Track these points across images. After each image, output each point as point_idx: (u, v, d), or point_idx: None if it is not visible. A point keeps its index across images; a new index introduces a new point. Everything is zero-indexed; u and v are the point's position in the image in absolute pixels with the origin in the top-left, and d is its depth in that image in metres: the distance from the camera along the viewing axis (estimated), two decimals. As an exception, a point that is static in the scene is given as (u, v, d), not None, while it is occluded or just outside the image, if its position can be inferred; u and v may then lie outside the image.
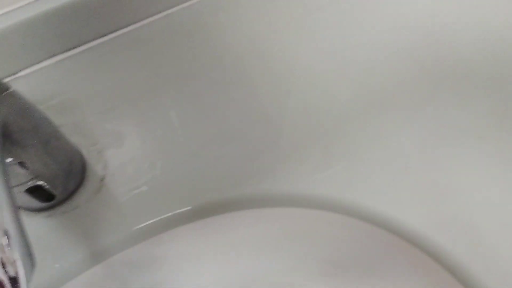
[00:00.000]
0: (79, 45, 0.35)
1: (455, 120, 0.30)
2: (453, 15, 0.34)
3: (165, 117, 0.32)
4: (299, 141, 0.30)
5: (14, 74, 0.34)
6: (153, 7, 0.35)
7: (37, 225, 0.29)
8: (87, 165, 0.30)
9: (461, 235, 0.27)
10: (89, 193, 0.29)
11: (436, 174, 0.29)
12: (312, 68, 0.33)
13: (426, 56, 0.33)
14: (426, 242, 0.27)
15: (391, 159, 0.29)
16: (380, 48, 0.33)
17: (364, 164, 0.29)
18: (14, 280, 0.17)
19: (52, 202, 0.29)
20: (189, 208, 0.29)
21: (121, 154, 0.31)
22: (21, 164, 0.25)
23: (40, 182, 0.26)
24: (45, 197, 0.28)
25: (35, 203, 0.28)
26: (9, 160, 0.25)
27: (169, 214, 0.29)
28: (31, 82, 0.34)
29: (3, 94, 0.23)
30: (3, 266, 0.17)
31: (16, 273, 0.18)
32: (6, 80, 0.34)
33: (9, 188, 0.19)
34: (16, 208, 0.19)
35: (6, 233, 0.18)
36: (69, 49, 0.35)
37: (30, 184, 0.26)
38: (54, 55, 0.34)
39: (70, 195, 0.29)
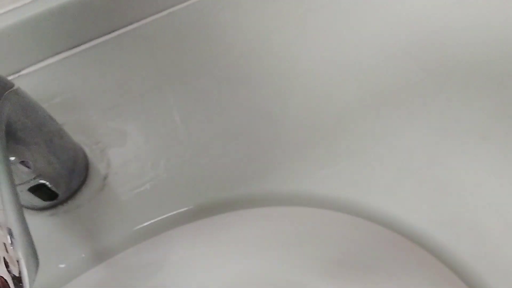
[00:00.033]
0: (82, 43, 0.35)
1: (459, 119, 0.30)
2: (457, 14, 0.34)
3: (168, 116, 0.32)
4: (302, 139, 0.30)
5: (17, 72, 0.34)
6: (156, 5, 0.35)
7: (40, 224, 0.28)
8: (90, 164, 0.30)
9: (464, 234, 0.27)
10: (92, 192, 0.29)
11: (439, 173, 0.29)
12: (315, 66, 0.33)
13: (430, 55, 0.32)
14: (429, 241, 0.27)
15: (394, 158, 0.29)
16: (384, 46, 0.33)
17: (368, 162, 0.29)
18: (18, 280, 0.17)
19: (54, 201, 0.28)
20: (192, 207, 0.29)
21: (124, 153, 0.30)
22: (24, 162, 0.25)
23: (43, 181, 0.26)
24: (47, 196, 0.28)
25: (37, 202, 0.28)
26: (12, 158, 0.24)
27: (172, 213, 0.29)
28: (34, 80, 0.34)
29: (8, 92, 0.23)
30: (7, 265, 0.17)
31: (20, 272, 0.18)
32: (9, 78, 0.33)
33: (13, 187, 0.19)
34: (20, 207, 0.19)
35: (9, 232, 0.18)
36: (73, 47, 0.34)
37: (33, 182, 0.26)
38: (58, 53, 0.34)
39: (73, 194, 0.29)
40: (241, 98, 0.32)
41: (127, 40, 0.35)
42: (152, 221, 0.29)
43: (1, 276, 0.17)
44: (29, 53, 0.33)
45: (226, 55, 0.34)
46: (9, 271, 0.17)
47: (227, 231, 0.31)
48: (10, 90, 0.24)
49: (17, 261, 0.18)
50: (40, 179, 0.26)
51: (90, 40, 0.35)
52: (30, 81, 0.33)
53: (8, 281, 0.17)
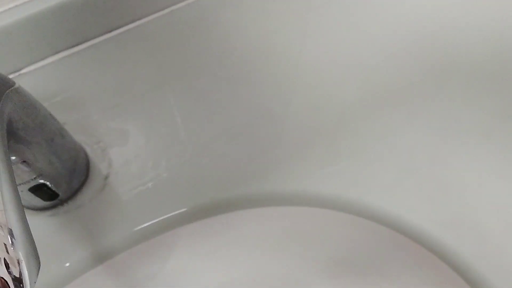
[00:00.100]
0: (83, 42, 0.34)
1: (461, 118, 0.30)
2: (459, 12, 0.34)
3: (169, 115, 0.32)
4: (303, 139, 0.30)
5: (18, 70, 0.34)
6: (158, 3, 0.35)
7: (40, 224, 0.28)
8: (91, 164, 0.30)
9: (466, 233, 0.27)
10: (93, 191, 0.29)
11: (441, 173, 0.28)
12: (317, 65, 0.33)
13: (432, 54, 0.32)
14: (431, 240, 0.27)
15: (396, 157, 0.29)
16: (385, 46, 0.33)
17: (370, 162, 0.29)
18: (18, 281, 0.17)
19: (55, 201, 0.28)
20: (193, 207, 0.29)
21: (125, 152, 0.30)
22: (25, 162, 0.25)
23: (43, 181, 0.26)
24: (48, 196, 0.28)
25: (38, 202, 0.27)
26: (13, 158, 0.24)
27: (173, 213, 0.29)
28: (35, 79, 0.33)
29: (8, 90, 0.23)
30: (7, 266, 0.17)
31: (21, 273, 0.17)
32: (10, 76, 0.33)
33: (14, 187, 0.19)
34: (21, 208, 0.19)
35: (10, 233, 0.18)
36: (74, 46, 0.34)
37: (33, 182, 0.26)
38: (59, 51, 0.34)
39: (73, 194, 0.29)
40: (242, 98, 0.32)
41: (128, 39, 0.35)
42: (153, 221, 0.29)
43: (1, 277, 0.17)
44: (30, 52, 0.33)
45: (228, 54, 0.34)
46: (9, 272, 0.17)
47: (228, 231, 0.31)
48: (11, 88, 0.23)
49: (18, 262, 0.17)
50: (41, 179, 0.26)
51: (91, 38, 0.34)
52: (30, 79, 0.33)
53: (8, 282, 0.17)
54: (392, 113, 0.31)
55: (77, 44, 0.34)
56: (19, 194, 0.19)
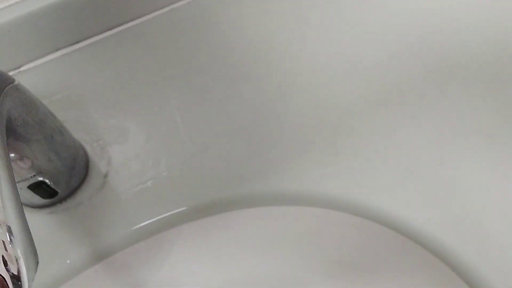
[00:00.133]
0: (84, 39, 0.34)
1: (464, 119, 0.30)
2: (463, 12, 0.34)
3: (170, 113, 0.32)
4: (305, 138, 0.30)
5: (18, 68, 0.34)
6: (158, 2, 0.35)
7: (39, 222, 0.28)
8: (90, 161, 0.30)
9: (468, 235, 0.27)
10: (92, 190, 0.29)
11: (443, 173, 0.28)
12: (319, 64, 0.33)
13: (435, 53, 0.32)
14: (432, 241, 0.27)
15: (398, 158, 0.29)
16: (387, 45, 0.33)
17: (371, 162, 0.29)
18: (16, 278, 0.17)
19: (54, 199, 0.28)
20: (192, 206, 0.29)
21: (125, 151, 0.30)
22: (24, 159, 0.25)
23: (42, 178, 0.26)
24: (47, 194, 0.27)
25: (37, 199, 0.27)
26: (12, 155, 0.24)
27: (173, 212, 0.29)
28: (35, 76, 0.33)
29: (8, 87, 0.22)
30: (5, 264, 0.17)
31: (19, 271, 0.17)
32: (10, 73, 0.33)
33: (13, 184, 0.19)
34: (20, 205, 0.19)
35: (9, 230, 0.17)
36: (74, 43, 0.34)
37: (32, 180, 0.26)
38: (59, 49, 0.34)
39: (72, 191, 0.29)
40: (243, 96, 0.32)
41: (128, 37, 0.34)
42: (153, 219, 0.29)
43: (0, 275, 0.17)
44: (30, 49, 0.33)
45: (228, 52, 0.33)
46: (7, 270, 0.17)
47: (228, 230, 0.31)
48: (10, 85, 0.23)
49: (16, 260, 0.17)
50: (40, 177, 0.26)
51: (92, 36, 0.34)
52: (30, 77, 0.33)
53: (6, 280, 0.17)
54: (393, 113, 0.30)
55: (77, 42, 0.34)
56: (18, 192, 0.19)
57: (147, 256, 0.30)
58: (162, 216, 0.29)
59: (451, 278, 0.27)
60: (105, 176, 0.29)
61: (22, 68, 0.33)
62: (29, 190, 0.26)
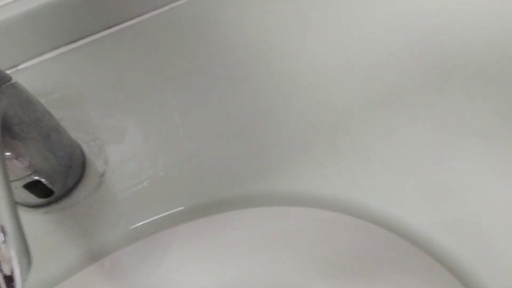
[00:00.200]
0: (82, 38, 0.34)
1: (463, 119, 0.30)
2: (463, 12, 0.34)
3: (168, 113, 0.31)
4: (303, 138, 0.30)
5: (15, 66, 0.33)
6: (157, 1, 0.35)
7: (35, 222, 0.28)
8: (87, 161, 0.30)
9: (466, 237, 0.27)
10: (89, 189, 0.29)
11: (442, 174, 0.28)
12: (318, 64, 0.32)
13: (435, 54, 0.32)
14: (430, 243, 0.27)
15: (396, 158, 0.29)
16: (387, 45, 0.33)
17: (369, 163, 0.29)
18: (9, 279, 0.17)
19: (50, 198, 0.28)
20: (190, 206, 0.29)
21: (122, 150, 0.30)
22: (20, 158, 0.25)
23: (38, 178, 0.26)
24: (43, 193, 0.27)
25: (33, 199, 0.27)
26: (7, 154, 0.24)
27: (170, 212, 0.29)
28: (32, 75, 0.33)
29: (5, 85, 0.22)
30: (-2, 264, 0.17)
31: (12, 271, 0.17)
32: (7, 72, 0.33)
33: (7, 183, 0.19)
34: (14, 204, 0.18)
35: (2, 230, 0.17)
36: (72, 42, 0.34)
37: (28, 179, 0.26)
38: (56, 47, 0.34)
39: (69, 191, 0.29)
40: (241, 96, 0.32)
41: (127, 36, 0.34)
42: (149, 219, 0.28)
43: (-7, 275, 0.17)
44: (27, 47, 0.33)
45: (228, 52, 0.33)
46: (0, 270, 0.17)
47: (226, 230, 0.31)
48: (7, 83, 0.23)
49: (10, 260, 0.17)
50: (36, 176, 0.26)
51: (90, 35, 0.34)
52: (28, 75, 0.33)
53: (-1, 280, 0.17)
54: (392, 113, 0.30)
55: (75, 40, 0.34)
56: (12, 191, 0.19)
57: (143, 256, 0.30)
58: (159, 216, 0.28)
59: (448, 279, 0.27)
60: (102, 175, 0.29)
61: (19, 67, 0.33)
62: (24, 190, 0.26)
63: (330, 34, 0.34)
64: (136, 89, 0.32)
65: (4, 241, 0.17)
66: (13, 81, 0.24)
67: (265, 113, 0.31)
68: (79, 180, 0.29)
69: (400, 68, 0.32)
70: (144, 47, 0.34)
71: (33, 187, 0.26)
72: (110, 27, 0.34)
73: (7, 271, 0.17)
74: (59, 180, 0.27)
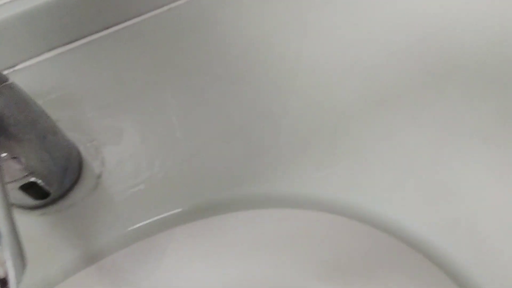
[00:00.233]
0: (79, 38, 0.34)
1: (461, 121, 0.30)
2: (461, 13, 0.34)
3: (165, 114, 0.31)
4: (301, 140, 0.30)
5: (12, 66, 0.33)
6: (156, 1, 0.34)
7: (31, 224, 0.28)
8: (83, 162, 0.29)
9: (464, 239, 0.27)
10: (85, 190, 0.29)
11: (440, 175, 0.28)
12: (316, 65, 0.32)
13: (433, 54, 0.32)
14: (428, 245, 0.27)
15: (394, 160, 0.29)
16: (386, 46, 0.33)
17: (367, 165, 0.29)
18: (3, 282, 0.17)
19: (46, 200, 0.28)
20: (187, 208, 0.29)
21: (119, 151, 0.30)
22: (16, 159, 0.24)
23: (34, 179, 0.26)
24: (39, 195, 0.27)
25: (29, 200, 0.27)
26: (3, 154, 0.24)
27: (166, 214, 0.28)
28: (29, 75, 0.33)
29: (1, 86, 0.22)
30: (-8, 266, 0.17)
31: (6, 274, 0.17)
32: (4, 72, 0.33)
33: (2, 184, 0.18)
34: (9, 206, 0.18)
35: (-4, 232, 0.17)
36: (69, 42, 0.34)
37: (24, 180, 0.25)
38: (54, 48, 0.34)
39: (65, 192, 0.28)
40: (239, 97, 0.32)
41: (125, 36, 0.34)
42: (147, 221, 0.28)
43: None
44: (25, 48, 0.33)
45: (226, 53, 0.33)
46: (-5, 272, 0.17)
47: (224, 233, 0.31)
48: (4, 84, 0.23)
49: (4, 262, 0.17)
50: (32, 177, 0.26)
51: (87, 35, 0.34)
52: (25, 76, 0.33)
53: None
54: (391, 115, 0.30)
55: (73, 41, 0.34)
56: (7, 192, 0.19)
57: (140, 259, 0.30)
58: (156, 218, 0.28)
59: (445, 282, 0.26)
60: (99, 177, 0.29)
61: (17, 67, 0.33)
62: (20, 191, 0.26)
63: (329, 34, 0.34)
64: (134, 90, 0.32)
65: (-1, 243, 0.17)
66: (10, 81, 0.24)
67: (264, 113, 0.31)
68: (76, 182, 0.29)
69: (400, 68, 0.32)
70: (142, 48, 0.34)
71: (29, 188, 0.26)
72: (107, 28, 0.34)
73: (1, 274, 0.17)
74: (56, 181, 0.27)
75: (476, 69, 0.31)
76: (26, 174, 0.25)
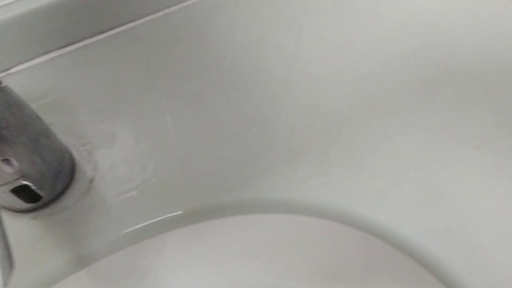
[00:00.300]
0: (74, 42, 0.34)
1: (454, 128, 0.30)
2: (454, 22, 0.34)
3: (160, 118, 0.31)
4: (295, 145, 0.30)
5: (6, 70, 0.33)
6: (151, 6, 0.35)
7: (22, 227, 0.28)
8: (76, 166, 0.29)
9: (456, 245, 0.27)
10: (78, 194, 0.29)
11: (432, 183, 0.28)
12: (311, 71, 0.32)
13: (426, 62, 0.32)
14: (420, 251, 0.27)
15: (387, 167, 0.29)
16: (380, 53, 0.33)
17: (360, 171, 0.29)
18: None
19: (38, 203, 0.28)
20: (180, 212, 0.28)
21: (112, 155, 0.30)
22: (8, 162, 0.24)
23: (26, 182, 0.25)
24: (31, 198, 0.27)
25: (20, 203, 0.27)
26: (-6, 157, 0.24)
27: (160, 218, 0.28)
28: (23, 79, 0.33)
29: (-8, 88, 0.22)
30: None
31: (-8, 276, 0.17)
32: (-2, 76, 0.33)
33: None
34: (-3, 208, 0.18)
35: (-16, 234, 0.17)
36: (64, 46, 0.34)
37: (16, 183, 0.25)
38: (48, 52, 0.34)
39: (57, 196, 0.28)
40: (234, 103, 0.32)
41: (120, 41, 0.34)
42: (139, 226, 0.28)
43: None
44: (19, 51, 0.33)
45: (221, 58, 0.33)
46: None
47: (216, 237, 0.30)
48: (-5, 87, 0.23)
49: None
50: (24, 180, 0.25)
51: (82, 39, 0.34)
52: (19, 79, 0.33)
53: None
54: (384, 121, 0.30)
55: (67, 45, 0.34)
56: (-4, 195, 0.19)
57: (132, 263, 0.30)
58: (149, 222, 0.28)
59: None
60: (91, 181, 0.29)
61: (11, 70, 0.33)
62: (12, 194, 0.26)
63: (323, 41, 0.34)
64: (128, 95, 0.32)
65: (-14, 246, 0.17)
66: (3, 84, 0.24)
67: (258, 119, 0.31)
68: (68, 185, 0.29)
69: (393, 76, 0.32)
70: (137, 53, 0.34)
71: (21, 191, 0.26)
72: (102, 32, 0.34)
73: (-13, 276, 0.17)
74: (48, 185, 0.27)
75: (468, 77, 0.31)
76: (17, 177, 0.25)
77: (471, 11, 0.34)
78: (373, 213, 0.28)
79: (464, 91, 0.31)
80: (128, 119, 0.31)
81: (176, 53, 0.34)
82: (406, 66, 0.32)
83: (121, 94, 0.32)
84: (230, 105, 0.31)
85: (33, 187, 0.26)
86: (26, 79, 0.33)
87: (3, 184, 0.25)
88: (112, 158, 0.30)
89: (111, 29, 0.34)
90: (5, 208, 0.28)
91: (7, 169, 0.25)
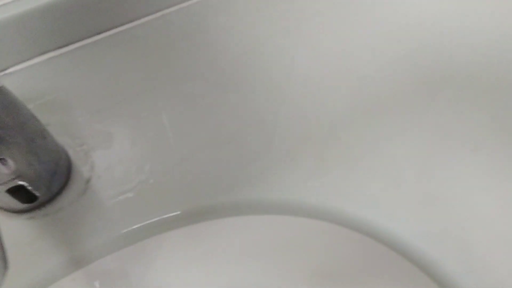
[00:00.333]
0: (72, 43, 0.34)
1: (451, 130, 0.30)
2: (452, 23, 0.34)
3: (157, 119, 0.31)
4: (293, 147, 0.30)
5: (3, 70, 0.33)
6: (149, 7, 0.35)
7: (18, 228, 0.28)
8: (72, 166, 0.29)
9: (452, 247, 0.27)
10: (74, 195, 0.28)
11: (429, 185, 0.28)
12: (308, 73, 0.32)
13: (424, 64, 0.32)
14: (416, 253, 0.27)
15: (384, 169, 0.29)
16: (377, 55, 0.33)
17: (357, 173, 0.29)
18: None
19: (34, 204, 0.28)
20: (177, 213, 0.28)
21: (109, 156, 0.30)
22: (3, 162, 0.24)
23: (22, 182, 0.25)
24: (27, 198, 0.27)
25: (16, 204, 0.27)
26: (-10, 157, 0.24)
27: (157, 218, 0.28)
28: (20, 79, 0.33)
29: (-12, 88, 0.22)
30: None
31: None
32: (-5, 76, 0.33)
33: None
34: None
35: (-23, 234, 0.17)
36: (62, 47, 0.34)
37: (11, 184, 0.25)
38: (46, 52, 0.34)
39: (53, 196, 0.28)
40: (232, 104, 0.32)
41: (117, 41, 0.34)
42: (136, 226, 0.28)
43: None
44: (16, 51, 0.33)
45: (218, 60, 0.33)
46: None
47: (213, 238, 0.30)
48: (-9, 87, 0.23)
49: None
50: (19, 180, 0.25)
51: (80, 40, 0.34)
52: (16, 79, 0.33)
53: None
54: (382, 123, 0.30)
55: (65, 45, 0.34)
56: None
57: (129, 264, 0.30)
58: (145, 223, 0.28)
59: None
60: (88, 181, 0.29)
61: (8, 71, 0.33)
62: (7, 194, 0.26)
63: (321, 44, 0.34)
64: (125, 95, 0.32)
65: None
66: (-1, 85, 0.24)
67: (255, 121, 0.31)
68: (64, 186, 0.29)
69: (390, 78, 0.32)
70: (134, 54, 0.34)
71: (17, 192, 0.26)
72: (100, 33, 0.34)
73: (-19, 277, 0.17)
74: (44, 185, 0.27)
75: (466, 80, 0.31)
76: (13, 177, 0.25)
77: (470, 12, 0.34)
78: (370, 214, 0.28)
79: (462, 93, 0.31)
80: (125, 120, 0.31)
81: (174, 54, 0.34)
82: (403, 68, 0.32)
83: (118, 95, 0.32)
84: (227, 105, 0.31)
85: (29, 188, 0.26)
86: (23, 80, 0.33)
87: (-1, 184, 0.25)
88: (108, 158, 0.30)
89: (109, 29, 0.34)
90: (0, 208, 0.27)
91: (3, 169, 0.25)
